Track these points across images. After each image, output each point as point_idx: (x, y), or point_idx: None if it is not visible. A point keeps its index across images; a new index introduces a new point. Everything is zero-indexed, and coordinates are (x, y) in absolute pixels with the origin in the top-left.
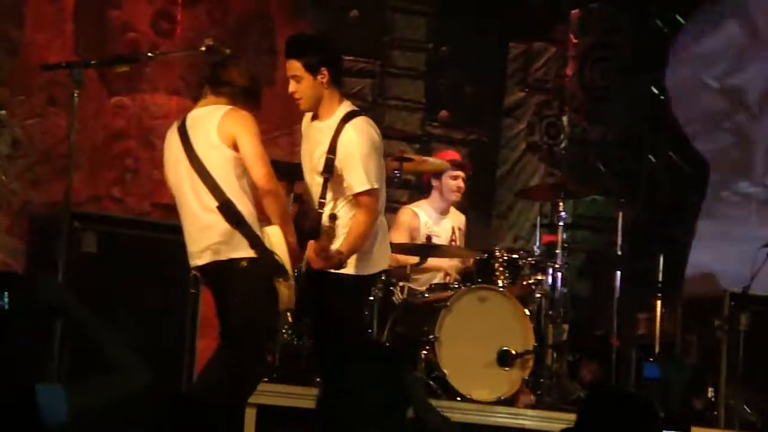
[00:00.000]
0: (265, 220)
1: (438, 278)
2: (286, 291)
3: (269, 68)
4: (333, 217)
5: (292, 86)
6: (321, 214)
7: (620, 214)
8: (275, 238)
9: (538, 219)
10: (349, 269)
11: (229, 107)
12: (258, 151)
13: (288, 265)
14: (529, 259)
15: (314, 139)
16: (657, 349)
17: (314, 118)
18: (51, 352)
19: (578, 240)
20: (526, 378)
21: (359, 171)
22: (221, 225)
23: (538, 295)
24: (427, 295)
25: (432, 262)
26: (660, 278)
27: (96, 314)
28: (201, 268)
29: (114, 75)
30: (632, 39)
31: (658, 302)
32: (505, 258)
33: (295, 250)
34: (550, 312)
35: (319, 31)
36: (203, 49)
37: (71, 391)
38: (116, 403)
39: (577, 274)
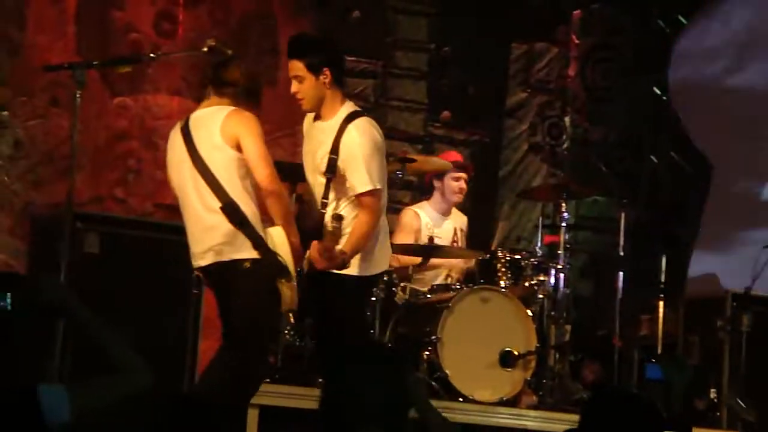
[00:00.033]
0: (268, 221)
1: (440, 279)
2: (288, 292)
3: (271, 68)
4: (338, 218)
5: (295, 87)
6: (323, 214)
7: (622, 215)
8: (278, 239)
9: (540, 220)
10: (352, 270)
11: (232, 108)
12: (261, 151)
13: (291, 266)
14: (532, 259)
15: (316, 139)
16: (659, 350)
17: (316, 118)
18: (53, 352)
19: (580, 241)
20: (529, 379)
21: (362, 171)
22: (224, 226)
23: (541, 296)
24: (429, 295)
25: (434, 262)
26: (662, 279)
27: (98, 315)
28: (204, 269)
29: (116, 76)
30: (634, 39)
31: (661, 303)
32: (508, 259)
33: (299, 251)
34: (553, 313)
35: (321, 32)
36: (205, 49)
37: (74, 391)
38: (118, 404)
39: (580, 275)
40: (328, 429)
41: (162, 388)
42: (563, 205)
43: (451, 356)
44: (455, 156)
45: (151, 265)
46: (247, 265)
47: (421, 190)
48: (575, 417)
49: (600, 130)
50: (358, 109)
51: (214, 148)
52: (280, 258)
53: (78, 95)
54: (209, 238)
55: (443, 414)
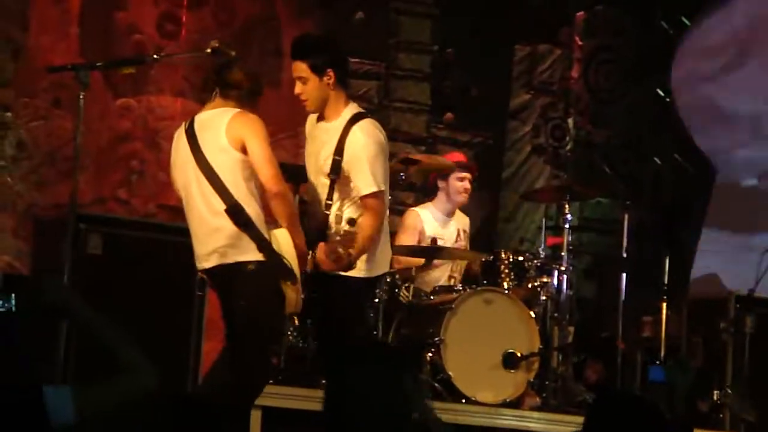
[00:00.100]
0: (271, 222)
1: (443, 280)
2: (293, 295)
3: (275, 70)
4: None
5: (298, 88)
6: (327, 215)
7: (625, 216)
8: (283, 240)
9: (544, 221)
10: (356, 271)
11: (237, 110)
12: (266, 153)
13: (296, 269)
14: (535, 261)
15: (320, 139)
16: (662, 352)
17: (320, 119)
18: (57, 353)
19: (584, 242)
20: (532, 380)
21: (366, 173)
22: (229, 228)
23: (544, 298)
24: (432, 297)
25: (437, 261)
26: (665, 280)
27: (101, 316)
28: (208, 271)
29: (119, 77)
30: (637, 41)
31: (664, 304)
32: (511, 260)
33: (304, 253)
34: (556, 314)
35: (324, 33)
36: (209, 50)
37: (78, 392)
38: (122, 405)
39: (583, 277)
40: (331, 430)
41: (165, 389)
42: (566, 206)
43: (454, 358)
44: (459, 156)
45: (154, 267)
46: (252, 267)
47: (425, 191)
48: (578, 419)
49: (603, 132)
50: (362, 110)
51: (220, 150)
52: (285, 260)
53: (81, 96)
54: (213, 240)
55: (444, 415)
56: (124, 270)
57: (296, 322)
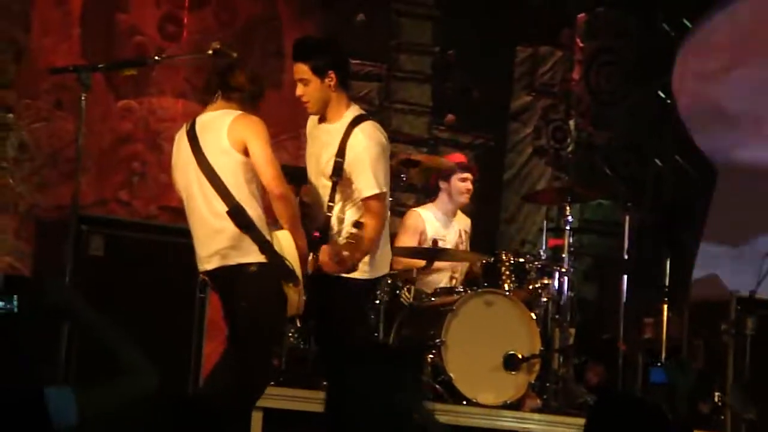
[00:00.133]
0: (273, 224)
1: (444, 281)
2: (295, 296)
3: (276, 71)
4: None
5: (300, 89)
6: (330, 217)
7: (627, 218)
8: (285, 242)
9: (545, 223)
10: (357, 273)
11: (239, 112)
12: (268, 155)
13: (298, 270)
14: (536, 263)
15: (321, 140)
16: (663, 354)
17: (321, 120)
18: (58, 355)
19: (585, 244)
20: (533, 382)
21: (368, 175)
22: (230, 229)
23: (545, 299)
24: (433, 298)
25: (439, 264)
26: (666, 282)
27: (103, 317)
28: (209, 273)
29: (121, 78)
30: (639, 43)
31: (665, 306)
32: (512, 262)
33: (305, 255)
34: (557, 316)
35: (326, 35)
36: (210, 52)
37: (80, 393)
38: (123, 407)
39: (584, 278)
40: (333, 431)
41: (166, 390)
42: (567, 208)
43: (455, 359)
44: (460, 158)
45: (156, 268)
46: (254, 269)
47: (426, 192)
48: (579, 420)
49: (604, 134)
50: (364, 112)
51: (221, 152)
52: (287, 262)
53: (83, 98)
54: (215, 242)
55: (445, 416)
56: (126, 271)
57: (298, 323)
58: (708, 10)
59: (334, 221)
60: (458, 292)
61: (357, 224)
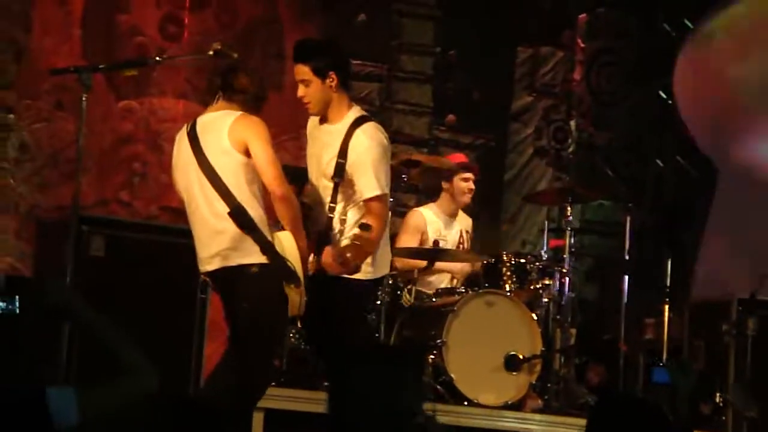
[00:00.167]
0: (275, 225)
1: (445, 282)
2: (296, 297)
3: (277, 72)
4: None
5: (301, 91)
6: (331, 218)
7: (627, 219)
8: (287, 243)
9: (546, 223)
10: (359, 274)
11: (240, 113)
12: (270, 156)
13: (300, 271)
14: (537, 263)
15: (321, 141)
16: (664, 354)
17: (322, 121)
18: (59, 355)
19: (586, 244)
20: (534, 383)
21: (370, 176)
22: (232, 230)
23: (546, 300)
24: (434, 299)
25: (440, 265)
26: (667, 283)
27: (104, 318)
28: (210, 274)
29: (121, 79)
30: (640, 43)
31: (666, 307)
32: (513, 262)
33: (307, 256)
34: (558, 316)
35: (326, 36)
36: (211, 53)
37: (81, 394)
38: (123, 407)
39: (585, 279)
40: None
41: (167, 391)
42: (568, 208)
43: (457, 360)
44: (461, 158)
45: (157, 269)
46: (255, 269)
47: (426, 193)
48: (580, 421)
49: (605, 134)
50: (365, 114)
51: (222, 153)
52: (288, 263)
53: (84, 99)
54: (216, 242)
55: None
56: (127, 272)
57: (299, 324)
58: (708, 10)
59: (335, 222)
60: (459, 293)
61: (363, 226)
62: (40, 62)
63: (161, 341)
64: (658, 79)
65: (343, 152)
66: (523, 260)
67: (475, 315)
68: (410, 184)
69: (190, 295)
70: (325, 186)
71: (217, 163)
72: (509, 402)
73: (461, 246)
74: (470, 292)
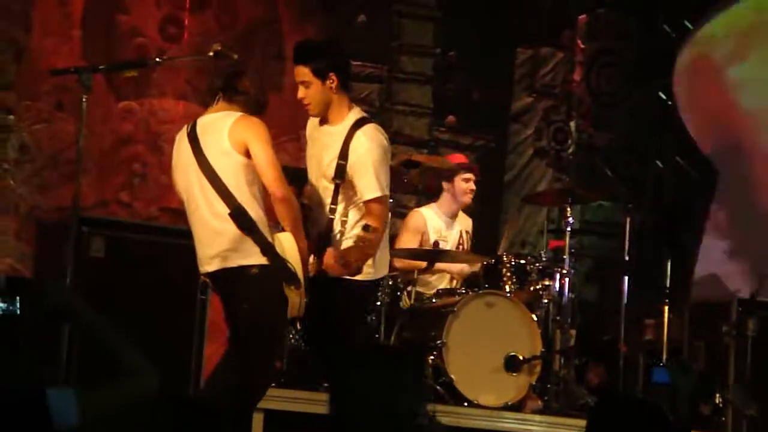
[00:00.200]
0: (275, 226)
1: (445, 283)
2: (296, 299)
3: (277, 74)
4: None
5: (301, 92)
6: (332, 220)
7: (627, 219)
8: (287, 244)
9: (546, 224)
10: (360, 275)
11: (240, 114)
12: (270, 157)
13: (300, 273)
14: (537, 264)
15: (321, 142)
16: (664, 355)
17: (322, 122)
18: (59, 356)
19: (585, 245)
20: (534, 383)
21: (371, 178)
22: (232, 231)
23: (546, 301)
24: (434, 300)
25: (440, 266)
26: (667, 283)
27: (104, 319)
28: (210, 275)
29: (122, 80)
30: (639, 44)
31: (666, 307)
32: (513, 263)
33: (307, 257)
34: (558, 317)
35: (326, 37)
36: (211, 54)
37: (81, 395)
38: (124, 408)
39: (585, 280)
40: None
41: (167, 392)
42: (568, 209)
43: (456, 361)
44: (461, 158)
45: (157, 270)
46: (255, 271)
47: (426, 194)
48: (580, 422)
49: (605, 135)
50: (366, 115)
51: (222, 154)
52: (288, 264)
53: (84, 99)
54: (216, 243)
55: (446, 418)
56: (127, 273)
57: (298, 325)
58: (708, 11)
59: (336, 223)
60: (459, 294)
61: (366, 227)
62: (40, 63)
63: (161, 342)
64: (658, 80)
65: (343, 154)
66: (522, 261)
67: (475, 316)
68: (410, 185)
69: (190, 296)
70: (325, 187)
71: (218, 164)
72: (509, 403)
73: (461, 247)
74: (470, 293)
